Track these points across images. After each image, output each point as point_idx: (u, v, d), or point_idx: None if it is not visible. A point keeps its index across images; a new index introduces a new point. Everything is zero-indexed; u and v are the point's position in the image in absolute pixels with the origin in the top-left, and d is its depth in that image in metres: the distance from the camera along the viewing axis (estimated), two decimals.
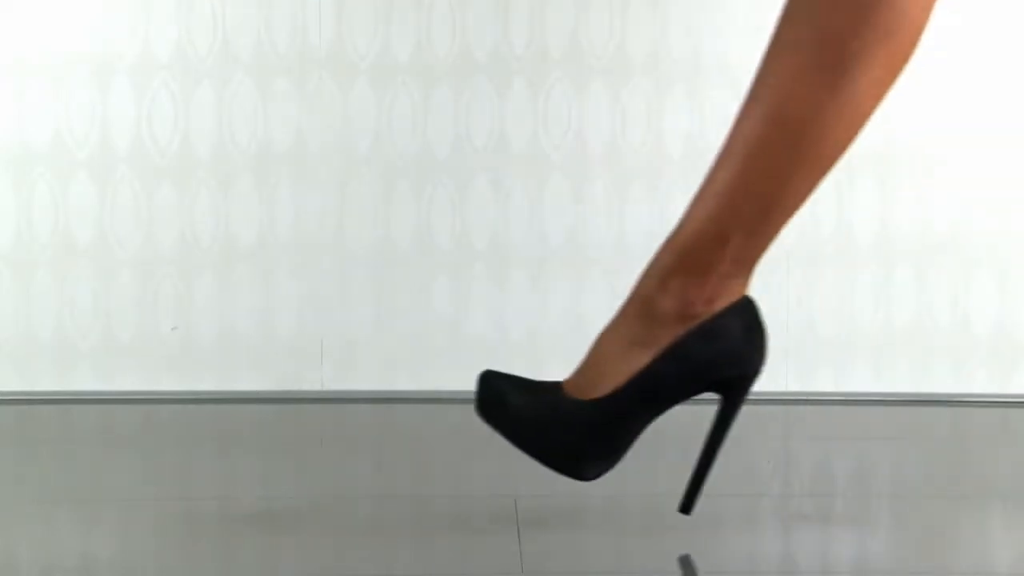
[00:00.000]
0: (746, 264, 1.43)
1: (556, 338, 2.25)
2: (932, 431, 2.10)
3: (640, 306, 1.43)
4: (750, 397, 2.21)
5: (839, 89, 1.39)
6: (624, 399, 1.41)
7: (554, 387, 1.44)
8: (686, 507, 1.43)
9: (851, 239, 2.27)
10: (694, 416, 2.13)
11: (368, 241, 2.27)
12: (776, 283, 2.28)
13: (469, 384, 2.22)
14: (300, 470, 1.81)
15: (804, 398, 2.22)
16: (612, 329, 1.44)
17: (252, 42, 2.26)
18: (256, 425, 2.13)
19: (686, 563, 1.40)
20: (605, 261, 2.27)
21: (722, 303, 1.42)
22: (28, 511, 1.58)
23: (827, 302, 2.27)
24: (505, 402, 1.43)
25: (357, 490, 1.60)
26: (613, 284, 2.27)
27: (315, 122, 2.26)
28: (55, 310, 2.26)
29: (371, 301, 2.28)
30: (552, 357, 2.25)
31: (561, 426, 1.41)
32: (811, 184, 1.43)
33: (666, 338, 1.41)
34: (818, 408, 2.20)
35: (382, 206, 2.28)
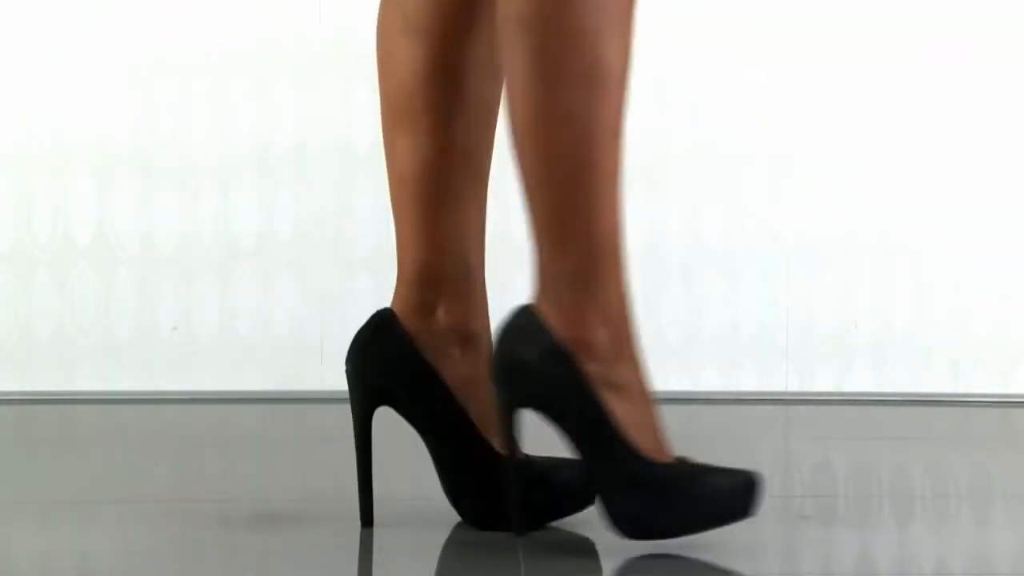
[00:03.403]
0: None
1: None
2: (932, 431, 2.10)
3: None
4: (751, 398, 2.21)
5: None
6: None
7: None
8: (366, 519, 1.50)
9: (852, 239, 2.27)
10: (693, 416, 2.13)
11: (368, 241, 2.27)
12: (776, 283, 2.28)
13: None
14: (300, 470, 1.81)
15: (804, 398, 2.22)
16: None
17: (252, 42, 2.26)
18: (256, 425, 2.13)
19: None
20: None
21: None
22: (28, 511, 1.58)
23: (827, 302, 2.27)
24: None
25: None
26: None
27: (315, 122, 2.26)
28: (55, 310, 2.26)
29: (371, 301, 2.27)
30: None
31: None
32: (403, 206, 1.60)
33: None
34: (818, 408, 2.20)
35: (382, 206, 2.27)
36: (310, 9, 2.25)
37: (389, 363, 1.49)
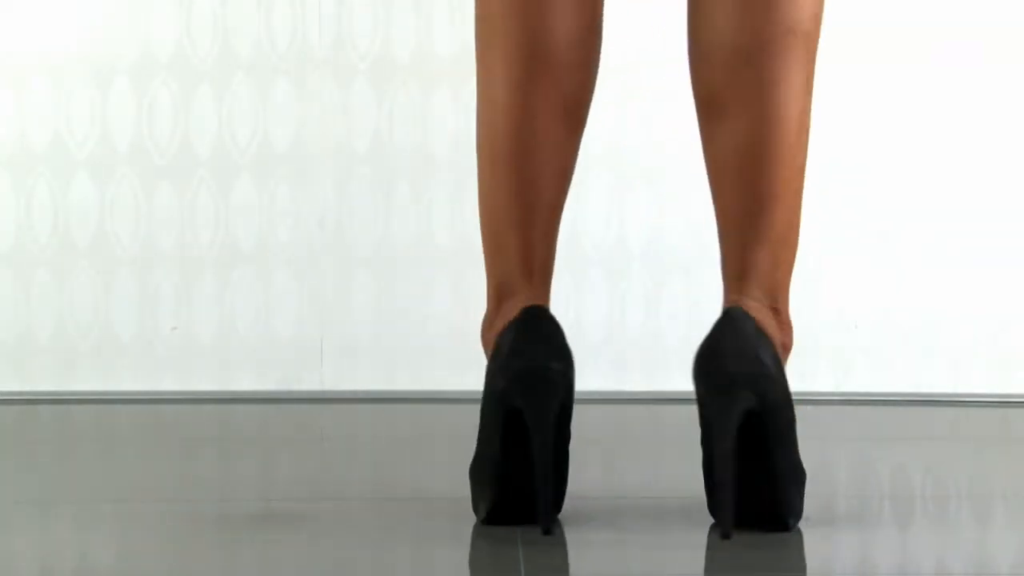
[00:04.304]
0: (517, 284, 1.47)
1: None
2: (932, 431, 2.10)
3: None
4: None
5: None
6: (480, 443, 1.47)
7: None
8: (546, 530, 1.43)
9: (852, 239, 2.27)
10: (692, 416, 2.13)
11: (368, 241, 2.27)
12: None
13: (468, 384, 2.23)
14: (300, 470, 1.81)
15: (804, 398, 2.22)
16: None
17: (252, 42, 2.26)
18: (256, 425, 2.13)
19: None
20: (605, 261, 2.27)
21: (503, 327, 1.46)
22: (28, 511, 1.58)
23: (827, 302, 2.27)
24: None
25: (357, 490, 1.59)
26: (613, 284, 2.27)
27: (315, 122, 2.26)
28: (55, 310, 2.26)
29: (371, 301, 2.28)
30: None
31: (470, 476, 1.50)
32: (511, 197, 1.47)
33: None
34: (818, 408, 2.20)
35: (382, 206, 2.28)
36: (310, 9, 2.25)
37: (563, 348, 1.46)
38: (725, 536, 1.37)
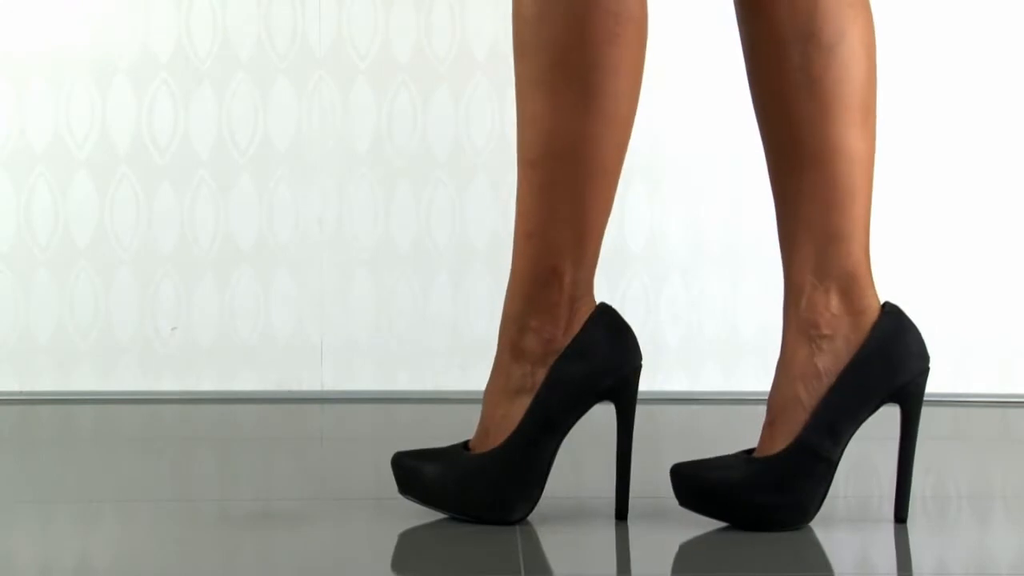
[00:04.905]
0: (586, 282, 1.49)
1: None
2: (932, 431, 2.10)
3: (509, 354, 1.50)
4: (752, 398, 2.21)
5: (591, 106, 1.46)
6: (519, 441, 1.47)
7: (460, 449, 1.52)
8: (621, 512, 1.50)
9: None
10: (693, 416, 2.13)
11: (368, 241, 2.27)
12: (776, 283, 2.28)
13: (469, 384, 2.23)
14: (300, 470, 1.81)
15: None
16: (492, 382, 1.51)
17: (252, 42, 2.26)
18: (256, 425, 2.13)
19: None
20: (604, 261, 2.27)
21: (579, 323, 1.48)
22: (28, 511, 1.58)
23: None
24: (420, 476, 1.50)
25: (357, 490, 1.59)
26: (613, 284, 2.27)
27: (315, 122, 2.26)
28: (55, 310, 2.26)
29: (371, 301, 2.28)
30: None
31: (473, 482, 1.48)
32: (606, 196, 1.49)
33: (540, 374, 1.48)
34: None
35: (382, 206, 2.28)
36: (310, 9, 2.25)
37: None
38: (898, 520, 1.51)
